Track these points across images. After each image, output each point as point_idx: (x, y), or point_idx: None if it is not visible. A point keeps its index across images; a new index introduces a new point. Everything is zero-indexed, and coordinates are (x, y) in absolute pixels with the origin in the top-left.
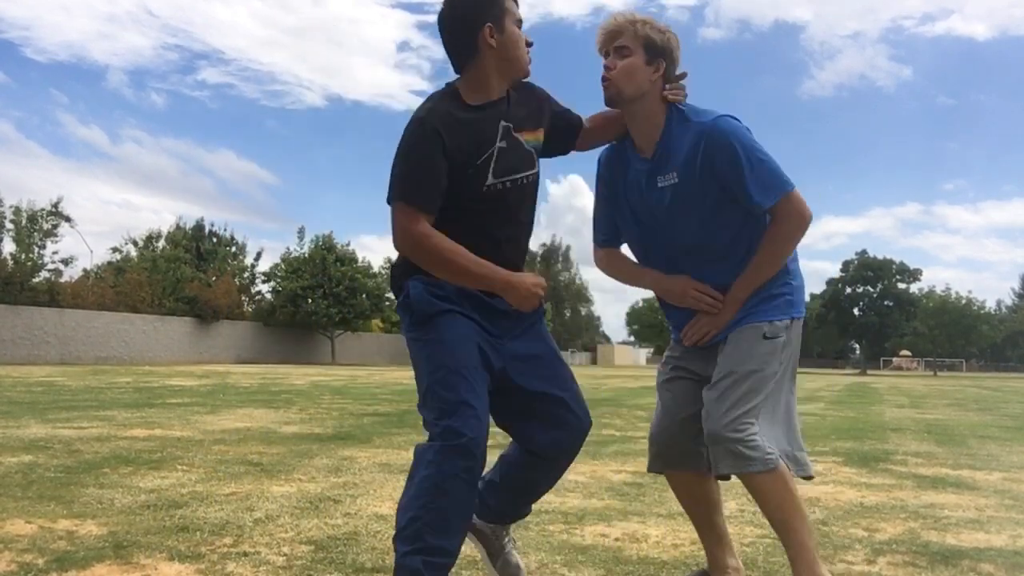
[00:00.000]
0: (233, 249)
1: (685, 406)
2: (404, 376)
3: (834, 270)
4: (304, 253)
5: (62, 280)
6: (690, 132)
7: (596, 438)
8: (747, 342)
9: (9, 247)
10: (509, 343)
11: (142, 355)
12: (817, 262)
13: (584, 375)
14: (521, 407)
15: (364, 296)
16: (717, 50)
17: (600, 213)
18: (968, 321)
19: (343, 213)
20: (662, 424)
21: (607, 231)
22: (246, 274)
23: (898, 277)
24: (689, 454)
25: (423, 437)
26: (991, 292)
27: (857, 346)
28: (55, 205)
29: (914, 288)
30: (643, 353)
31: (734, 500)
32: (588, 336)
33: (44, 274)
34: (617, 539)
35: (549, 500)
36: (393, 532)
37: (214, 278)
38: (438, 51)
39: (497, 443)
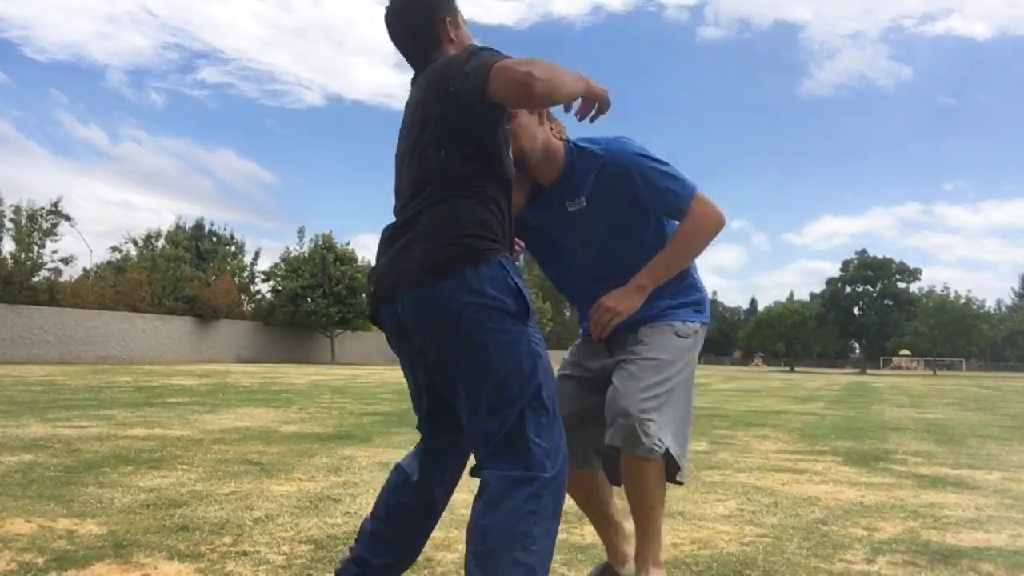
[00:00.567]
0: (233, 248)
1: (566, 404)
2: (404, 376)
3: (834, 270)
4: (304, 252)
5: (62, 279)
6: (590, 159)
7: None
8: (662, 334)
9: (9, 246)
10: None
11: (142, 354)
12: (817, 262)
13: None
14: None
15: (364, 295)
16: (717, 50)
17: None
18: (968, 321)
19: (343, 212)
20: None
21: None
22: (245, 273)
23: (898, 277)
24: (573, 453)
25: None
26: (991, 292)
27: (857, 345)
28: (55, 204)
29: (914, 288)
30: None
31: (734, 500)
32: None
33: (44, 273)
34: None
35: None
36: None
37: (214, 277)
38: None
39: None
